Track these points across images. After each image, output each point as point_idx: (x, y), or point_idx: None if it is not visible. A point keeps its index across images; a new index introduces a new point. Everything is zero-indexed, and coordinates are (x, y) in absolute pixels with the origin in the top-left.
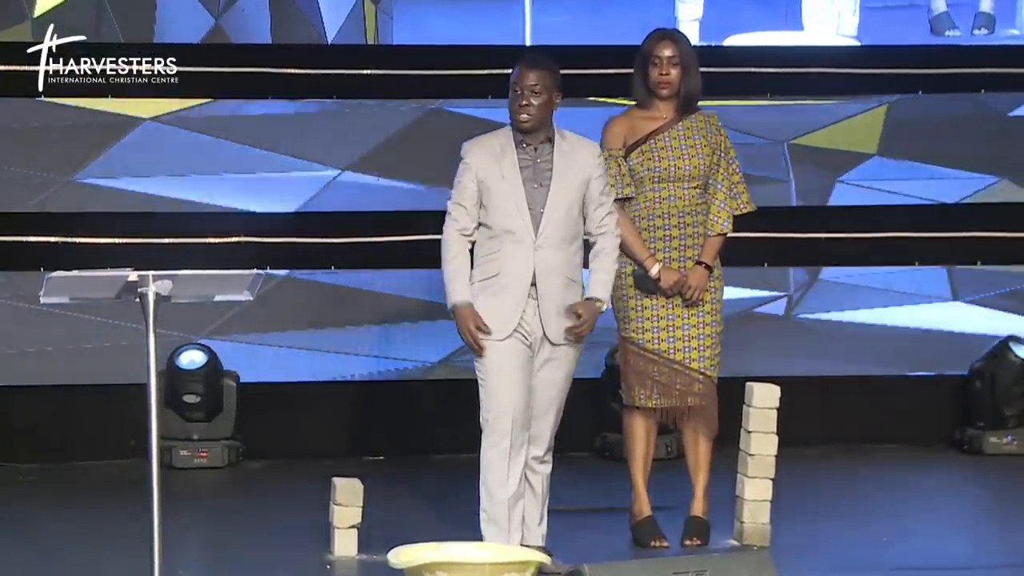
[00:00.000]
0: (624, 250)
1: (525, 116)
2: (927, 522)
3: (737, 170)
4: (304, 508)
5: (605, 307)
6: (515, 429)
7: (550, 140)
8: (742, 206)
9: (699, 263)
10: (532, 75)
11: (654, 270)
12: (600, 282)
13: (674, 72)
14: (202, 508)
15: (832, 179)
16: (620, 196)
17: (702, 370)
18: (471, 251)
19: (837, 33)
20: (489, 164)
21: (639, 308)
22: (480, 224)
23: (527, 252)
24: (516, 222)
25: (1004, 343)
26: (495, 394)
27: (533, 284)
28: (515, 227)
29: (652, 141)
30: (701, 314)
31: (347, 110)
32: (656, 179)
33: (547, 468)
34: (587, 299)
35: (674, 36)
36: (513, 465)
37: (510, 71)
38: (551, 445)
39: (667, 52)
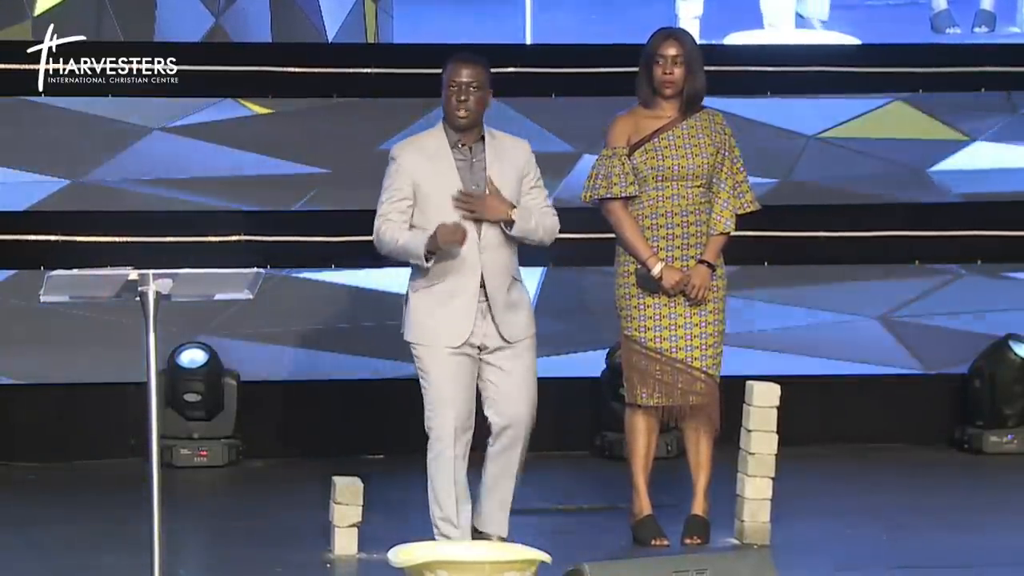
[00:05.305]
0: (627, 249)
1: (463, 112)
2: (927, 522)
3: (741, 169)
4: (304, 507)
5: (514, 215)
6: (458, 436)
7: (482, 139)
8: (745, 205)
9: (702, 262)
10: (468, 71)
11: (656, 269)
12: (524, 209)
13: (678, 71)
14: (202, 507)
15: None
16: (624, 195)
17: (704, 369)
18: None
19: (806, 16)
20: (424, 166)
21: (641, 307)
22: (414, 228)
23: (473, 255)
24: (460, 225)
25: (1004, 341)
26: (439, 405)
27: (482, 287)
28: None
29: (656, 140)
30: (703, 313)
31: (349, 107)
32: (660, 178)
33: (514, 457)
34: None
35: (679, 35)
36: (458, 469)
37: (511, 70)
38: (528, 433)
39: (671, 51)
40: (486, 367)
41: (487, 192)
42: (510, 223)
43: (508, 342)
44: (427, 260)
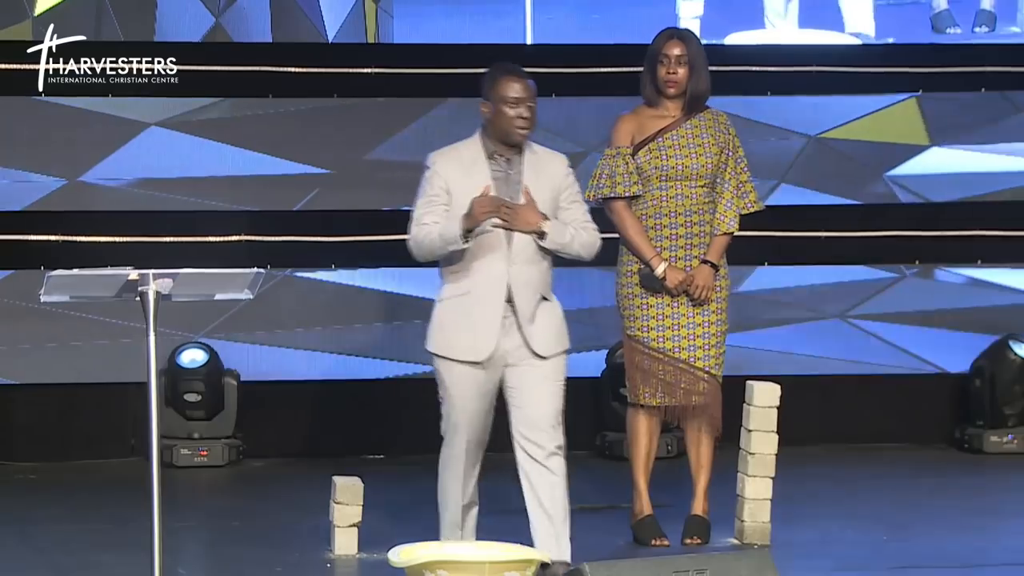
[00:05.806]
0: (630, 249)
1: (525, 128)
2: (927, 522)
3: (745, 169)
4: (304, 507)
5: (546, 227)
6: (471, 448)
7: (520, 152)
8: (749, 205)
9: (705, 262)
10: (524, 87)
11: (660, 269)
12: (559, 223)
13: (681, 71)
14: (202, 507)
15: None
16: (627, 194)
17: (707, 369)
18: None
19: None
20: (459, 175)
21: (644, 306)
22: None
23: (501, 267)
24: (489, 235)
25: (1004, 341)
26: (454, 418)
27: (508, 300)
28: (488, 241)
29: (660, 139)
30: (706, 313)
31: (348, 108)
32: (663, 177)
33: (549, 475)
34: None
35: (683, 35)
36: (468, 476)
37: None
38: (558, 447)
39: (675, 51)
40: (511, 377)
41: (522, 202)
42: (543, 234)
43: (538, 355)
44: (465, 240)
